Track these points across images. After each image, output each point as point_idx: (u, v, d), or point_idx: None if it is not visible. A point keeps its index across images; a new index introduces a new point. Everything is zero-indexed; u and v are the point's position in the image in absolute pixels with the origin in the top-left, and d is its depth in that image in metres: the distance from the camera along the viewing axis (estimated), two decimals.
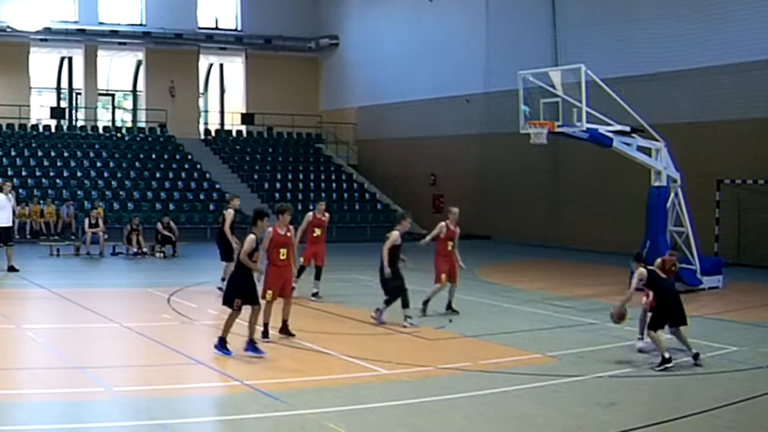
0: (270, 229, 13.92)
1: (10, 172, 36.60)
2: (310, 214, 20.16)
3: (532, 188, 35.23)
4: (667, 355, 12.88)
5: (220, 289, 19.20)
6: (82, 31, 42.99)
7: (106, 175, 38.80)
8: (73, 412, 10.21)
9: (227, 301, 13.11)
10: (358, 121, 46.10)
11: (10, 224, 23.74)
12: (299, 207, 40.01)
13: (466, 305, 18.77)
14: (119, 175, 39.04)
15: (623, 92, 21.96)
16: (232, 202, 20.14)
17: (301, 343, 14.12)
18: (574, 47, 31.98)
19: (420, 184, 40.88)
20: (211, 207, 38.13)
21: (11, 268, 22.94)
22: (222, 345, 12.98)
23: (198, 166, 41.50)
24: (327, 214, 20.68)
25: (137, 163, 40.38)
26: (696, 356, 13.18)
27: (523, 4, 35.98)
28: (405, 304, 15.95)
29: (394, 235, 16.09)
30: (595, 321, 17.04)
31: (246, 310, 13.04)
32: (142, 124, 45.39)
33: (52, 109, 44.17)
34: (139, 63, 46.59)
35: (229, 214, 19.74)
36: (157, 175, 39.87)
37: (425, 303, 17.20)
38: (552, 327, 16.61)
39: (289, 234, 14.31)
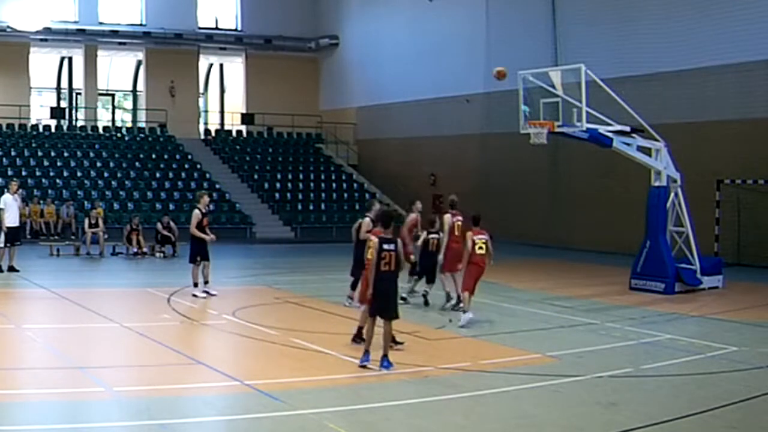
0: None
1: (10, 172, 36.58)
2: (413, 215, 19.22)
3: (532, 188, 35.21)
4: (404, 296, 17.63)
5: (195, 296, 19.10)
6: (82, 31, 42.99)
7: (106, 175, 38.80)
8: (73, 412, 10.20)
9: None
10: (358, 121, 46.09)
11: (18, 224, 23.73)
12: (299, 207, 40.15)
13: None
14: (119, 175, 39.04)
15: (623, 92, 21.96)
16: (201, 200, 19.66)
17: (301, 343, 14.12)
18: (574, 47, 31.98)
19: (420, 184, 40.85)
20: (211, 207, 38.03)
21: (11, 269, 22.93)
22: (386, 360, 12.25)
23: (198, 166, 41.49)
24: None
25: (137, 163, 40.38)
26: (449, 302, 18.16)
27: (523, 3, 35.97)
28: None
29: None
30: (595, 321, 17.06)
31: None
32: (142, 124, 45.37)
33: (52, 109, 44.16)
34: (139, 63, 46.58)
35: (195, 214, 19.37)
36: (157, 175, 39.87)
37: None
38: (552, 327, 16.61)
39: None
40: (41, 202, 33.90)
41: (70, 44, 43.83)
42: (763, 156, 27.09)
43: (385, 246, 12.20)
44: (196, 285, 19.32)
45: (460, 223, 18.36)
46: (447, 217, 18.39)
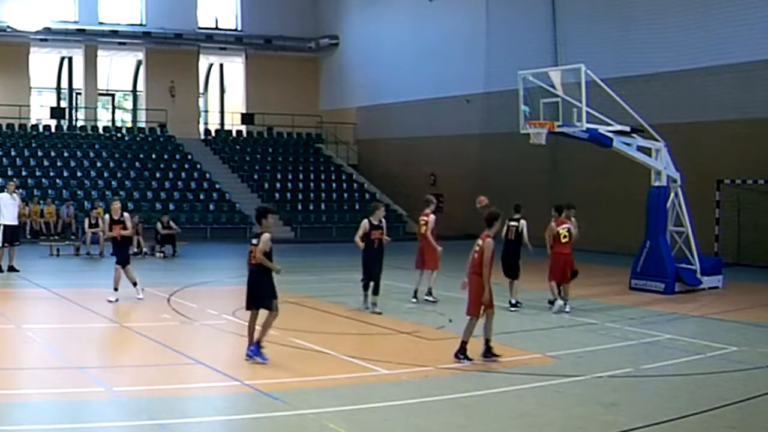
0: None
1: (10, 172, 36.65)
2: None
3: (531, 188, 35.11)
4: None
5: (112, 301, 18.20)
6: (82, 31, 43.01)
7: (106, 175, 38.82)
8: (73, 412, 10.19)
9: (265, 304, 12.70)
10: (358, 121, 46.09)
11: (17, 223, 23.56)
12: (299, 207, 40.16)
13: (465, 305, 18.76)
14: (119, 175, 39.05)
15: (623, 92, 21.95)
16: (112, 206, 19.31)
17: (301, 343, 14.12)
18: (574, 47, 31.98)
19: (420, 184, 40.86)
20: (211, 207, 38.15)
21: (11, 268, 22.88)
22: (258, 350, 12.59)
23: (198, 166, 41.50)
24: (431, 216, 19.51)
25: (137, 163, 40.39)
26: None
27: (524, 3, 35.98)
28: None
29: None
30: (595, 321, 17.04)
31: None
32: (142, 124, 45.41)
33: (52, 109, 44.20)
34: (139, 63, 46.59)
35: (105, 219, 19.35)
36: (157, 175, 39.88)
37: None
38: (552, 327, 16.59)
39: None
40: (41, 202, 33.87)
41: (70, 44, 43.86)
42: (762, 156, 27.09)
43: (254, 241, 12.70)
44: (116, 290, 18.53)
45: (423, 221, 19.01)
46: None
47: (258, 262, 12.57)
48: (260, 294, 12.63)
